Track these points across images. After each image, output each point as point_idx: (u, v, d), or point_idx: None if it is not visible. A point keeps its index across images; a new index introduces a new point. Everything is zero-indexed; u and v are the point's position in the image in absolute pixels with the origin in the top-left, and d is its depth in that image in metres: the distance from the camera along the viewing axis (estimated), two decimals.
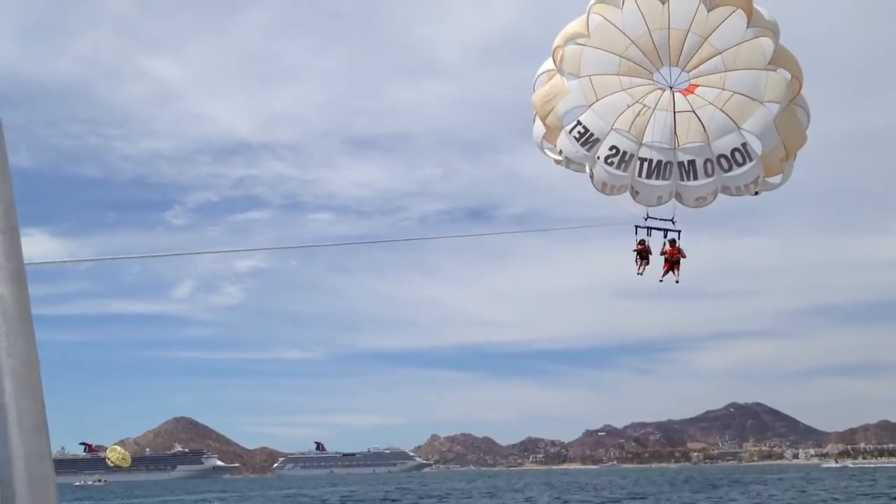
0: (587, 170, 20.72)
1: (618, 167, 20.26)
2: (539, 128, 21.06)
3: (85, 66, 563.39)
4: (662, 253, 21.42)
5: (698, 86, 19.56)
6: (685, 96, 19.69)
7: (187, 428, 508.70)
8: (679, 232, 21.17)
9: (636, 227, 21.11)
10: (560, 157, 20.89)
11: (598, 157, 20.30)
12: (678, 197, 20.36)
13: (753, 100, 19.08)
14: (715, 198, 20.18)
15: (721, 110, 19.32)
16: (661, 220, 20.78)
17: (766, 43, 18.78)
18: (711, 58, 19.20)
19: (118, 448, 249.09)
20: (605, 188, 20.68)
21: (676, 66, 19.64)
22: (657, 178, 20.14)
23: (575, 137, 20.39)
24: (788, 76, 18.88)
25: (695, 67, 19.45)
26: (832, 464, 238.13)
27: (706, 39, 19.10)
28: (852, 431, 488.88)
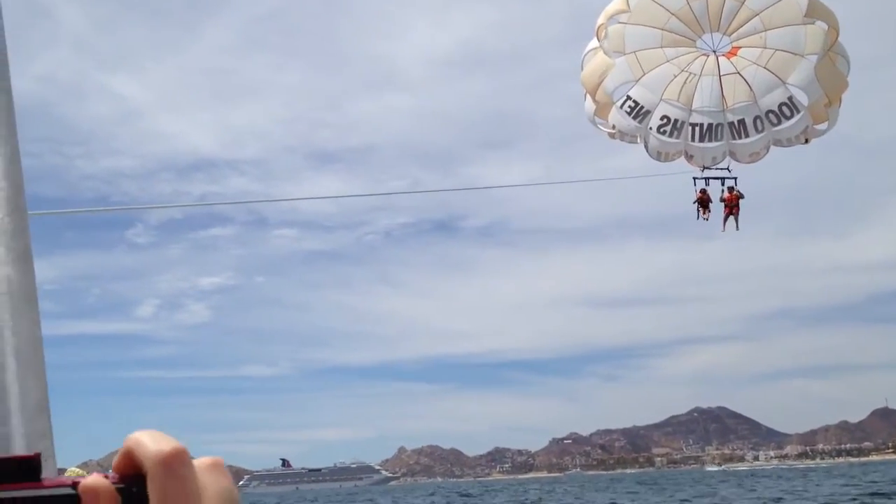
0: (640, 140, 21.65)
1: (670, 135, 21.22)
2: (590, 104, 21.95)
3: (44, 86, 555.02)
4: (722, 199, 22.40)
5: (741, 48, 20.67)
6: (729, 59, 20.79)
7: None
8: (735, 178, 22.14)
9: (694, 178, 22.12)
10: (613, 131, 21.78)
11: (651, 128, 21.24)
12: (732, 155, 21.37)
13: (795, 54, 20.26)
14: (768, 151, 21.23)
15: (765, 68, 20.45)
16: (717, 168, 21.73)
17: None
18: (750, 20, 20.38)
19: (77, 469, 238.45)
20: (661, 156, 21.61)
21: (717, 31, 20.77)
22: (710, 140, 21.14)
23: (626, 111, 21.32)
24: (825, 26, 20.10)
25: (735, 30, 20.60)
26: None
27: (744, 3, 20.28)
28: (813, 433, 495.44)
